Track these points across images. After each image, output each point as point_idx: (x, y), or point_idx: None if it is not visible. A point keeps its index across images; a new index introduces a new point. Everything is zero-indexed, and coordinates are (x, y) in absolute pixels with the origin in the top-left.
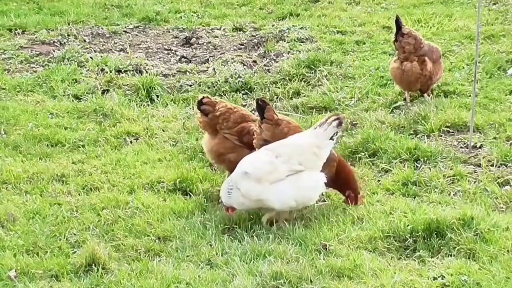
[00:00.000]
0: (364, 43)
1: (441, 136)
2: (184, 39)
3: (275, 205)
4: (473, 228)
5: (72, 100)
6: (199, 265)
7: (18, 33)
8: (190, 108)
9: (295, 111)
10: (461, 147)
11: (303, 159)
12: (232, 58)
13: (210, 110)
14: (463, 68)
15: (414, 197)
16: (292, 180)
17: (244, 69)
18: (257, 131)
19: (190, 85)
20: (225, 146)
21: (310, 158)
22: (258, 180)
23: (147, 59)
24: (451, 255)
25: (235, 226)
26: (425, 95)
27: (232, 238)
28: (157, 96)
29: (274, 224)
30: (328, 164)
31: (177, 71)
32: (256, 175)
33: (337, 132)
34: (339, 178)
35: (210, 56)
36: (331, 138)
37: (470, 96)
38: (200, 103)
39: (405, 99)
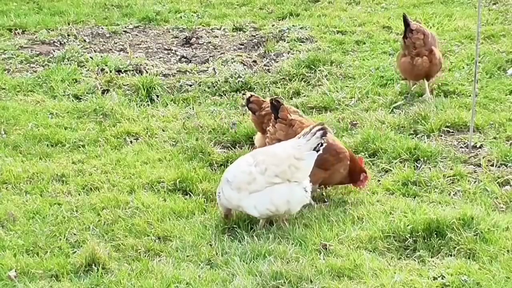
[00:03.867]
0: (364, 43)
1: (441, 136)
2: (184, 39)
3: (254, 214)
4: (473, 228)
5: (72, 100)
6: (199, 265)
7: (18, 33)
8: (190, 108)
9: None
10: (461, 147)
11: (279, 171)
12: (232, 58)
13: (256, 108)
14: (463, 68)
15: (414, 197)
16: (268, 192)
17: (244, 69)
18: (270, 130)
19: (190, 85)
20: None
21: (286, 170)
22: (238, 189)
23: (147, 59)
24: (451, 255)
25: (235, 226)
26: (427, 92)
27: (232, 238)
28: (157, 96)
29: (274, 224)
30: (343, 163)
31: (177, 71)
32: (236, 184)
33: (321, 143)
34: (355, 173)
35: (210, 56)
36: (315, 149)
37: (470, 96)
38: (248, 102)
39: (406, 97)
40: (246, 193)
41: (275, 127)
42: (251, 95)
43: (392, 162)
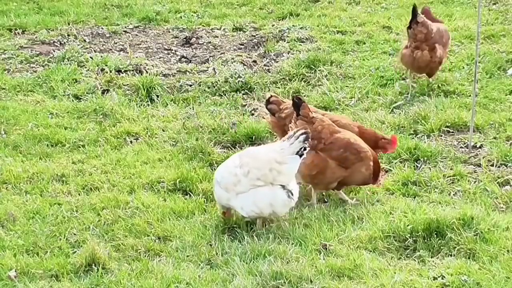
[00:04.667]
0: (364, 43)
1: (441, 136)
2: (184, 39)
3: (243, 214)
4: (473, 228)
5: (72, 100)
6: (199, 265)
7: (18, 33)
8: (190, 108)
9: None
10: (461, 147)
11: (261, 174)
12: (232, 58)
13: (276, 109)
14: (463, 68)
15: (414, 197)
16: (252, 195)
17: (244, 69)
18: (292, 127)
19: (190, 85)
20: None
21: (268, 173)
22: (226, 189)
23: (147, 59)
24: (451, 255)
25: (235, 226)
26: (409, 80)
27: (232, 238)
28: (157, 96)
29: (274, 224)
30: (364, 163)
31: (177, 71)
32: (224, 185)
33: (304, 147)
34: (377, 172)
35: (210, 56)
36: (299, 153)
37: (470, 96)
38: (268, 102)
39: (406, 97)
40: (234, 194)
41: (296, 124)
42: (271, 95)
43: (392, 162)
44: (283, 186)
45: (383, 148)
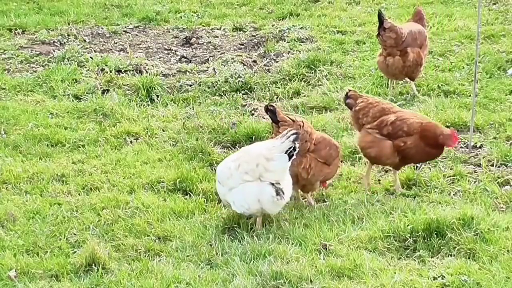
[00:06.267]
0: (364, 43)
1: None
2: (184, 39)
3: (236, 210)
4: (473, 228)
5: (72, 100)
6: (199, 265)
7: (18, 33)
8: (190, 108)
9: (295, 111)
10: (461, 147)
11: (249, 168)
12: (232, 58)
13: (353, 104)
14: (463, 68)
15: (414, 197)
16: (242, 190)
17: (244, 69)
18: (274, 136)
19: (190, 85)
20: (366, 140)
21: (255, 168)
22: (222, 183)
23: (147, 59)
24: (451, 255)
25: (235, 226)
26: (413, 82)
27: (232, 238)
28: (157, 96)
29: (274, 224)
30: (339, 158)
31: (177, 71)
32: (220, 178)
33: (294, 147)
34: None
35: (210, 56)
36: (288, 152)
37: (470, 96)
38: (346, 97)
39: (406, 97)
40: (227, 188)
41: (279, 132)
42: (349, 90)
43: None
44: (272, 184)
45: (445, 145)
